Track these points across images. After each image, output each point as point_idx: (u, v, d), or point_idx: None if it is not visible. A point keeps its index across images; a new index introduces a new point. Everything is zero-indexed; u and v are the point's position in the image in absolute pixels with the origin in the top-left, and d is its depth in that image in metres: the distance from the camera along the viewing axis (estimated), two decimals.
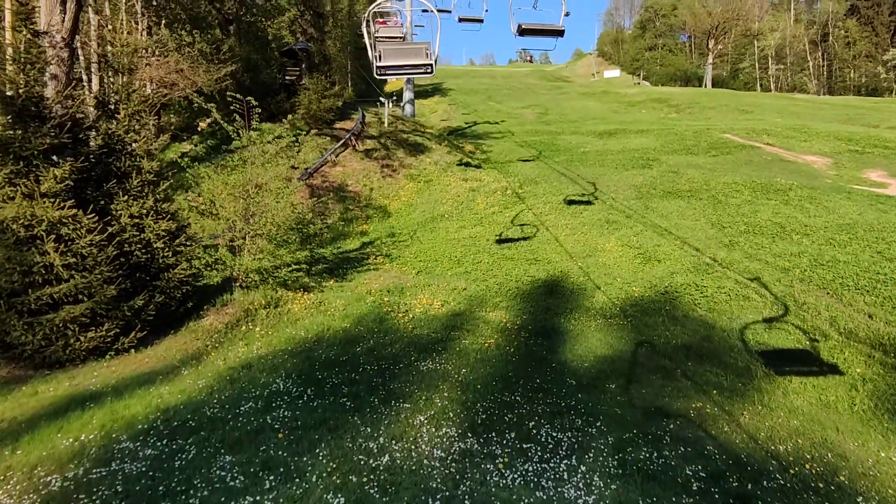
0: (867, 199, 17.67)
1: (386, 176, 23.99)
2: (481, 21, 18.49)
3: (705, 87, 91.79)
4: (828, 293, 10.93)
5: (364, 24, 10.33)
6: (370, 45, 9.55)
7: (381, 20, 24.90)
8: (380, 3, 12.37)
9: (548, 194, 20.49)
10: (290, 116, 20.55)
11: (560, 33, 11.08)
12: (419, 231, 18.58)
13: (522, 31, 10.69)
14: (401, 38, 18.60)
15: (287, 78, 32.76)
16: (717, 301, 10.93)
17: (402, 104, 36.59)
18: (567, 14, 11.67)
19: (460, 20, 18.42)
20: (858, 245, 13.25)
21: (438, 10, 17.75)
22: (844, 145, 28.90)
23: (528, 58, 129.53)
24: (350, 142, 26.21)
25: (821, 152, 27.22)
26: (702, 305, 10.84)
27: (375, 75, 9.41)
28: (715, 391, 7.89)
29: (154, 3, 25.28)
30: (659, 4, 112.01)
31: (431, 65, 9.30)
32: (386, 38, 17.26)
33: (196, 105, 12.44)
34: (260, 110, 12.12)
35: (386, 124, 29.40)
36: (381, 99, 30.68)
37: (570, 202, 16.07)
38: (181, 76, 21.24)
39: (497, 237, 17.09)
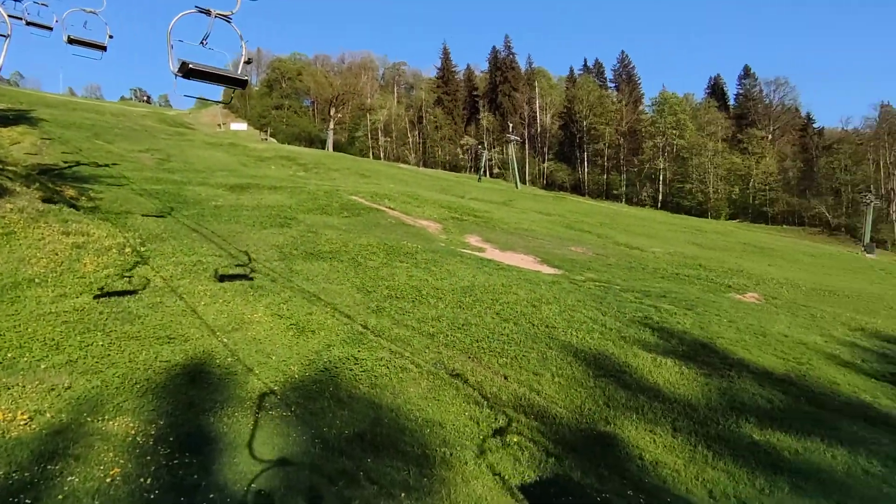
0: (475, 263, 20.60)
1: None
2: (50, 29, 14.96)
3: (328, 149, 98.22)
4: (469, 357, 11.83)
5: None
6: None
7: None
8: None
9: (179, 254, 17.83)
10: None
11: (104, 48, 10.68)
12: None
13: (71, 41, 9.90)
14: None
15: None
16: (377, 375, 10.65)
17: None
18: (111, 37, 11.08)
19: (28, 24, 14.51)
20: (481, 307, 15.02)
21: (10, 16, 14.51)
22: (447, 213, 33.90)
23: (145, 98, 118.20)
24: None
25: (432, 218, 31.20)
26: (363, 381, 10.39)
27: None
28: (403, 493, 7.28)
29: None
30: (285, 67, 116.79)
31: None
32: None
33: None
34: None
35: None
36: None
37: (223, 278, 13.97)
38: None
39: (99, 291, 14.05)
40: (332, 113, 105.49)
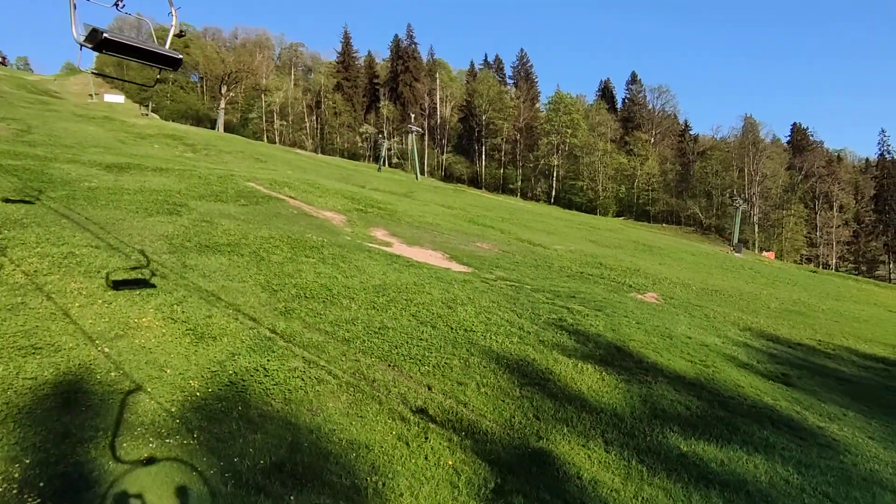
0: (385, 259, 19.76)
1: None
2: None
3: (218, 130, 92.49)
4: (389, 365, 11.03)
5: None
6: None
7: None
8: None
9: (45, 243, 15.46)
10: None
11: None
12: None
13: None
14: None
15: None
16: (291, 388, 9.57)
17: None
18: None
19: None
20: (396, 308, 14.25)
21: None
22: (351, 203, 32.67)
23: (1, 59, 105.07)
24: None
25: (335, 209, 29.87)
26: (276, 397, 9.28)
27: None
28: None
29: None
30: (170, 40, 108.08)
31: None
32: None
33: None
34: None
35: None
36: None
37: (118, 286, 11.83)
38: None
39: None
40: (223, 91, 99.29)
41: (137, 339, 10.81)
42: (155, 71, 6.52)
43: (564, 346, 13.32)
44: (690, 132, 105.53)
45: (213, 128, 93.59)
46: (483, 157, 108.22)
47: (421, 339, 12.38)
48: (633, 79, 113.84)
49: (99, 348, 10.22)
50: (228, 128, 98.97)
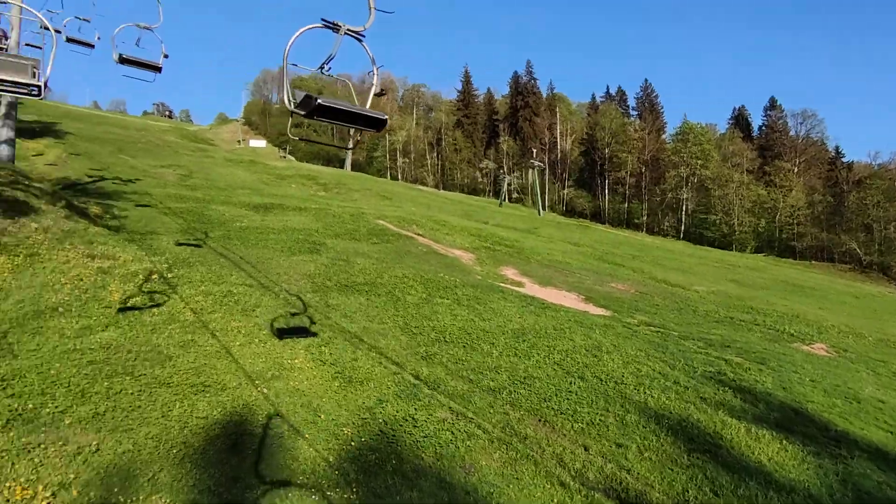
0: (519, 301, 19.30)
1: None
2: (92, 46, 18.04)
3: (346, 168, 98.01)
4: (540, 420, 10.50)
5: None
6: None
7: None
8: None
9: (208, 282, 16.73)
10: None
11: (158, 69, 13.41)
12: (13, 333, 12.57)
13: (123, 60, 12.55)
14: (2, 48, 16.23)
15: None
16: (441, 442, 9.34)
17: None
18: (166, 56, 13.33)
19: (68, 40, 17.74)
20: (539, 356, 13.70)
21: (53, 29, 14.24)
22: (478, 241, 32.71)
23: (168, 112, 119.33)
24: None
25: (463, 247, 30.01)
26: (427, 450, 9.09)
27: None
28: None
29: None
30: (306, 86, 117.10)
31: (40, 87, 7.49)
32: None
33: None
34: None
35: None
36: None
37: (282, 334, 12.39)
38: None
39: (122, 305, 14.07)
40: (351, 132, 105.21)
41: (291, 381, 11.15)
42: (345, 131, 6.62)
43: (730, 405, 11.98)
44: (843, 159, 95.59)
45: (341, 167, 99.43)
46: (606, 191, 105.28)
47: (570, 392, 11.70)
48: (772, 104, 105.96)
49: (259, 388, 10.64)
50: (355, 166, 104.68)
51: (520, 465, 8.85)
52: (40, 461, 7.69)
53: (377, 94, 6.67)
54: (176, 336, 12.78)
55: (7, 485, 7.07)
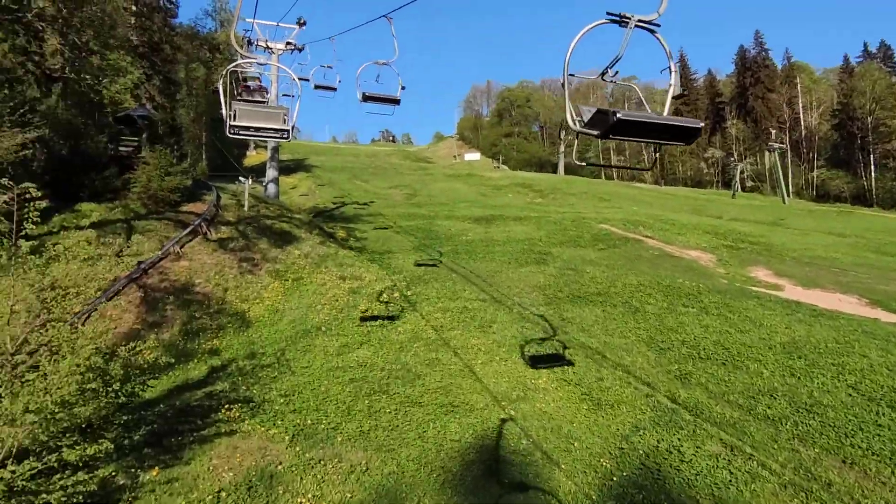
0: (781, 307, 16.59)
1: (245, 272, 19.41)
2: (335, 90, 21.17)
3: (559, 173, 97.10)
4: (845, 462, 8.59)
5: (221, 81, 9.02)
6: (225, 102, 8.54)
7: (244, 84, 21.91)
8: (241, 63, 11.01)
9: (444, 298, 17.32)
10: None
11: (397, 102, 14.29)
12: (289, 350, 14.32)
13: (366, 98, 13.72)
14: (261, 102, 18.91)
15: (122, 149, 27.08)
16: (717, 482, 8.10)
17: (264, 183, 32.24)
18: (403, 88, 14.08)
19: (316, 87, 20.83)
20: (824, 377, 11.41)
21: (299, 78, 16.04)
22: (715, 239, 29.41)
23: (391, 138, 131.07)
24: (200, 229, 21.36)
25: (699, 247, 27.20)
26: (702, 492, 7.93)
27: (227, 133, 8.41)
28: None
29: None
30: (514, 96, 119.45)
31: (288, 131, 8.43)
32: (244, 99, 15.58)
33: None
34: (42, 203, 7.59)
35: (246, 207, 24.88)
36: (241, 178, 26.24)
37: (536, 362, 12.04)
38: None
39: (362, 314, 15.86)
40: (561, 136, 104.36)
41: (537, 403, 10.75)
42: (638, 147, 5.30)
43: None
44: None
45: (554, 171, 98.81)
46: (871, 167, 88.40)
47: (878, 426, 9.42)
48: None
49: (506, 410, 10.44)
50: (568, 170, 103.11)
51: None
52: (322, 478, 8.33)
53: (676, 97, 5.48)
54: (421, 354, 13.29)
55: (298, 500, 7.75)
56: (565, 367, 11.18)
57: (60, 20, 24.57)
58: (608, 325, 15.15)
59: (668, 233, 29.98)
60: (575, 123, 4.92)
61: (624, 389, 11.07)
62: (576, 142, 5.25)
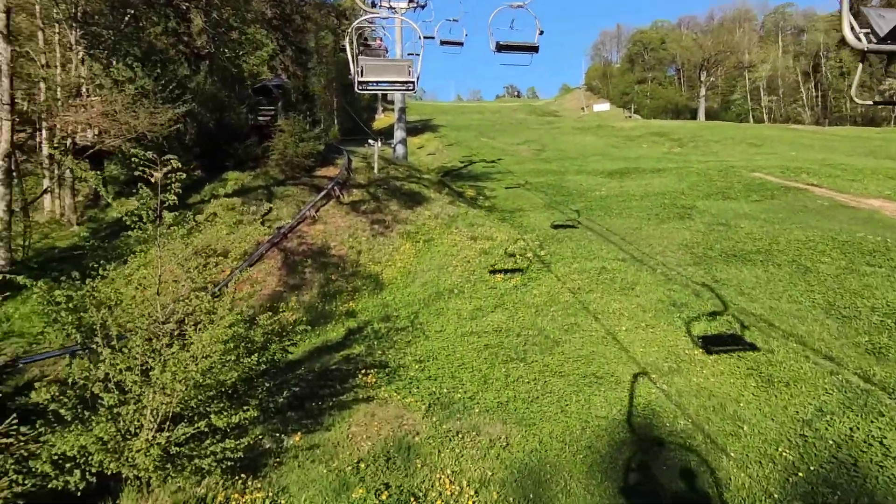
0: None
1: (377, 234, 19.64)
2: (461, 45, 19.10)
3: (699, 119, 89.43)
4: None
5: (347, 39, 8.90)
6: (352, 59, 8.54)
7: (366, 43, 21.84)
8: (366, 17, 10.81)
9: (580, 258, 16.22)
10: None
11: (535, 49, 12.20)
12: (422, 313, 14.19)
13: (500, 48, 11.78)
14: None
15: (260, 119, 28.53)
16: None
17: (393, 144, 32.52)
18: (541, 32, 12.24)
19: (442, 43, 19.10)
20: None
21: (424, 37, 15.30)
22: None
23: (516, 93, 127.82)
24: (333, 192, 21.93)
25: (881, 195, 23.35)
26: None
27: (356, 90, 8.75)
28: None
29: (99, 38, 21.09)
30: (647, 38, 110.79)
31: (413, 82, 8.63)
32: (370, 55, 15.27)
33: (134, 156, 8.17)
34: (183, 175, 7.72)
35: (376, 169, 25.16)
36: (370, 140, 26.53)
37: (708, 343, 9.85)
38: (108, 120, 16.72)
39: (491, 268, 15.71)
40: (702, 78, 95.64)
41: (693, 377, 9.57)
42: None
43: None
44: None
45: (693, 118, 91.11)
46: None
47: None
48: None
49: (657, 385, 9.39)
50: (709, 115, 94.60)
51: None
52: (460, 452, 7.95)
53: None
54: (559, 319, 12.48)
55: (437, 476, 7.43)
56: (748, 351, 9.72)
57: None
58: (773, 287, 13.29)
59: (838, 179, 26.12)
60: (860, 38, 3.54)
61: (801, 364, 9.52)
62: (859, 67, 3.60)
